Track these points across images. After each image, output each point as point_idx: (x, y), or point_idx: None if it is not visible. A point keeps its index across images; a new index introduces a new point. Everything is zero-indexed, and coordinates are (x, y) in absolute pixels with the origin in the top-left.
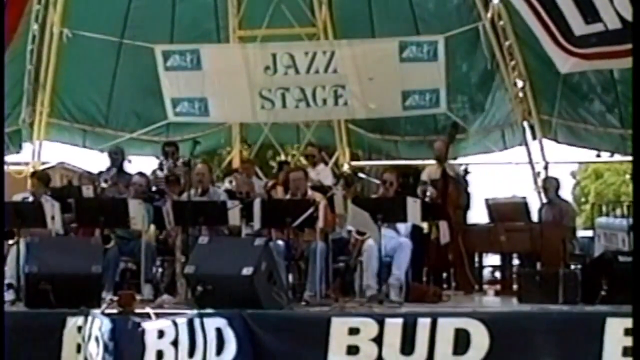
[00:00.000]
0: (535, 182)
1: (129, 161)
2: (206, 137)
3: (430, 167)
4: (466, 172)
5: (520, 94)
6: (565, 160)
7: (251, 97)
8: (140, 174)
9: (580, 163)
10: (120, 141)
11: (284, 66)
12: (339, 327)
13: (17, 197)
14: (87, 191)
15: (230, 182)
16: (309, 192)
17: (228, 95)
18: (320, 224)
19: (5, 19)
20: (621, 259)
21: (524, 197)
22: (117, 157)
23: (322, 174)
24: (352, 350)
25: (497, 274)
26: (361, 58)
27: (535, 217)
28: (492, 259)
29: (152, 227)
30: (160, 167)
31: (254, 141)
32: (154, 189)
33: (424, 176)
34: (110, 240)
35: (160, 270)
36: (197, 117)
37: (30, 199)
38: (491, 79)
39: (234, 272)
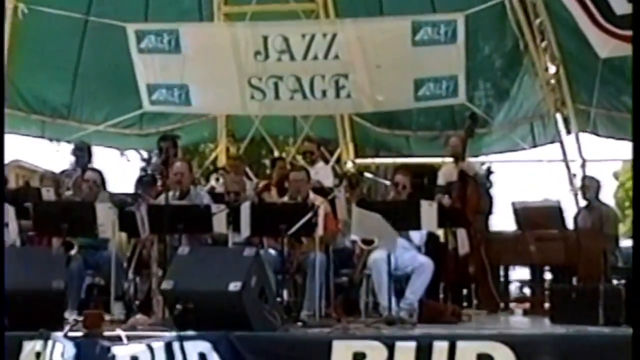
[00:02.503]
0: (571, 183)
1: (128, 160)
2: (187, 130)
3: (446, 167)
4: (489, 172)
5: (553, 81)
6: (606, 158)
7: (239, 85)
8: (93, 169)
9: (624, 161)
10: (86, 134)
11: (276, 51)
12: (341, 351)
13: None
14: (48, 194)
15: (217, 180)
16: (311, 195)
17: (212, 82)
18: (319, 231)
19: None
20: None
21: (558, 201)
22: (82, 154)
23: (322, 173)
24: None
25: (526, 290)
26: (367, 41)
27: (570, 223)
28: (520, 273)
29: (124, 235)
30: (145, 168)
31: (243, 135)
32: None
33: (440, 179)
34: (74, 248)
35: (132, 285)
36: (177, 107)
37: None
38: (518, 63)
39: (219, 287)
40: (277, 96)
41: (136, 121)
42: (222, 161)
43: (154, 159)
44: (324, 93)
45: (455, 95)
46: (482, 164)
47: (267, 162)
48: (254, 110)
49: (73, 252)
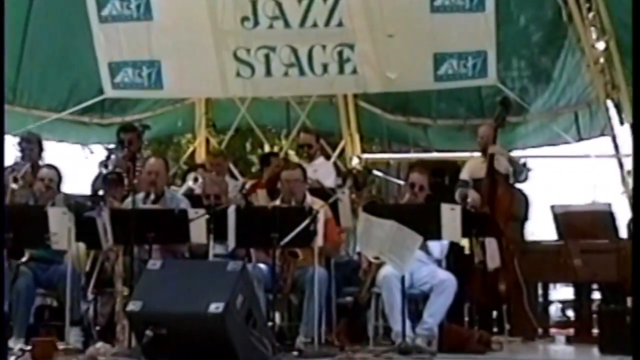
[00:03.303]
0: (624, 183)
1: (91, 152)
2: (158, 118)
3: (472, 162)
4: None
5: (602, 60)
6: None
7: (221, 60)
8: (49, 166)
9: None
10: (35, 124)
11: (268, 17)
12: None
13: None
14: None
15: (195, 180)
16: (308, 197)
17: (189, 57)
18: (319, 241)
19: None
20: None
21: (608, 204)
22: (31, 147)
23: (322, 171)
24: None
25: (570, 313)
26: (376, 5)
27: (623, 232)
28: (562, 292)
29: (82, 246)
30: (105, 163)
31: (226, 125)
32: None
33: (464, 174)
34: (24, 256)
35: (92, 307)
36: (146, 91)
37: None
38: (561, 37)
39: (197, 309)
40: (268, 72)
41: (97, 109)
42: (201, 157)
43: (114, 155)
44: (324, 68)
45: (483, 74)
46: (517, 159)
47: (255, 158)
48: (239, 91)
49: (22, 262)
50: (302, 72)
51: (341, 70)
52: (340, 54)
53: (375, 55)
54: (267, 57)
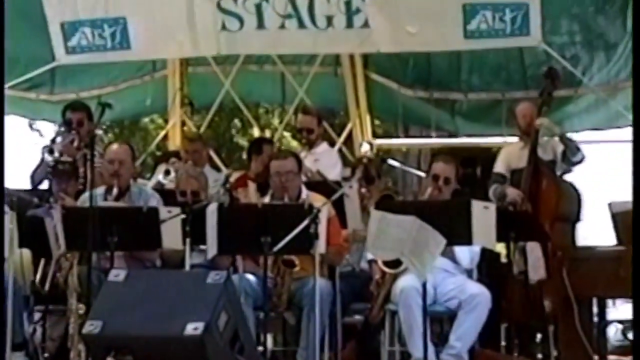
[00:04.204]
0: None
1: (41, 135)
2: (122, 95)
3: (509, 149)
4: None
5: None
6: None
7: (203, 12)
8: None
9: None
10: None
11: None
12: None
13: None
14: None
15: (167, 173)
16: (304, 192)
17: (160, 11)
18: (320, 247)
19: None
20: None
21: None
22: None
23: (325, 160)
24: None
25: (631, 336)
26: None
27: None
28: (622, 310)
29: (27, 252)
30: (50, 148)
31: (206, 103)
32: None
33: (500, 166)
34: None
35: (40, 328)
36: (109, 53)
37: None
38: None
39: (171, 331)
40: (260, 24)
41: (45, 81)
42: (175, 143)
43: (60, 138)
44: (328, 20)
45: (524, 32)
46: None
47: (240, 141)
48: (225, 47)
49: None
50: (301, 24)
51: (349, 23)
52: (348, 3)
53: (392, 5)
54: (258, 7)
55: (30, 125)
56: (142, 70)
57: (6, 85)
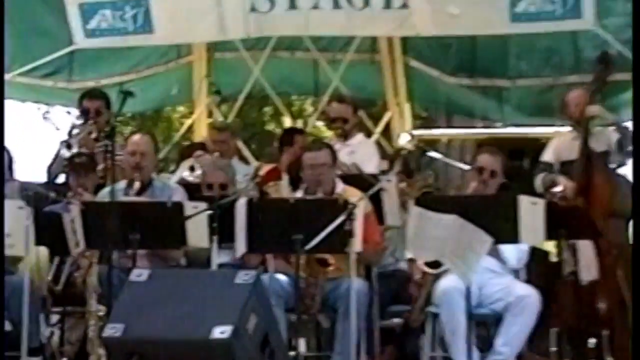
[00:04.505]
0: None
1: (57, 128)
2: (144, 82)
3: (559, 140)
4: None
5: None
6: None
7: None
8: None
9: None
10: None
11: None
12: None
13: None
14: None
15: (192, 169)
16: (339, 186)
17: None
18: (356, 245)
19: None
20: None
21: None
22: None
23: (361, 152)
24: None
25: None
26: None
27: None
28: None
29: (44, 251)
30: (68, 143)
31: (235, 92)
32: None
33: (548, 155)
34: None
35: (57, 331)
36: (131, 36)
37: None
38: None
39: (196, 334)
40: (292, 4)
41: (63, 66)
42: (200, 134)
43: (78, 130)
44: (365, 1)
45: (575, 14)
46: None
47: (272, 129)
48: (254, 30)
49: None
50: (336, 4)
51: (387, 4)
52: None
53: None
54: None
55: (45, 117)
56: (165, 56)
57: (19, 71)
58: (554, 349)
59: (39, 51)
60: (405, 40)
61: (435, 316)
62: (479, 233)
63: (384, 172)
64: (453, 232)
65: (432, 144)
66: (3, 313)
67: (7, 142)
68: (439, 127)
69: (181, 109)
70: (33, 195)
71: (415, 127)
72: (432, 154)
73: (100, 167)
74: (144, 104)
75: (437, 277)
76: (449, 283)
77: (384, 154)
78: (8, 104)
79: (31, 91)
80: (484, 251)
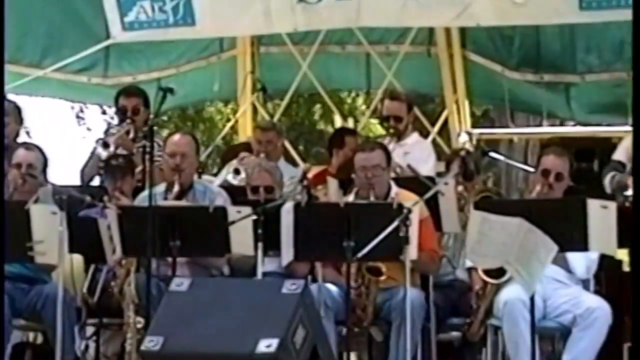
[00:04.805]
0: None
1: (88, 128)
2: (185, 77)
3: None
4: None
5: None
6: None
7: None
8: (27, 145)
9: None
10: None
11: None
12: None
13: None
14: None
15: (236, 172)
16: (393, 189)
17: None
18: (411, 253)
19: None
20: None
21: None
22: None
23: (416, 153)
24: None
25: None
26: None
27: None
28: None
29: (79, 259)
30: (105, 141)
31: (282, 87)
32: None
33: (620, 154)
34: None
35: (93, 345)
36: (171, 29)
37: None
38: None
39: (240, 348)
40: None
41: (98, 61)
42: (245, 133)
43: (114, 130)
44: None
45: None
46: None
47: (321, 128)
48: (301, 22)
49: None
50: None
51: None
52: None
53: None
54: None
55: (78, 117)
56: (207, 49)
57: (53, 68)
58: None
59: (74, 46)
60: (464, 32)
61: (497, 329)
62: (545, 239)
63: (440, 175)
64: (517, 237)
65: (493, 144)
66: (2, 311)
67: (41, 143)
68: (500, 126)
69: (224, 108)
70: (67, 200)
71: (475, 126)
72: (493, 154)
73: (138, 169)
74: (184, 100)
75: (499, 287)
76: (511, 294)
77: (441, 155)
78: (40, 102)
79: (64, 87)
80: (549, 259)
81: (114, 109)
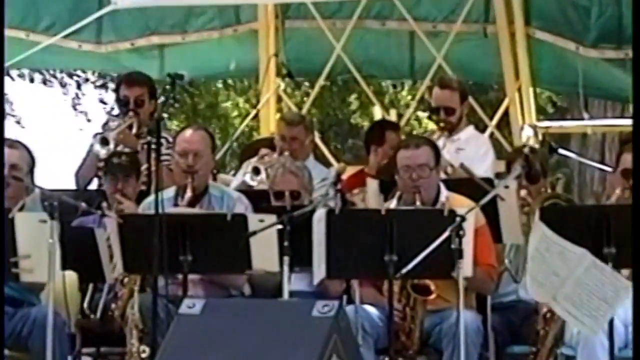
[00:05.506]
0: None
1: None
2: (194, 50)
3: None
4: None
5: None
6: None
7: None
8: (13, 143)
9: None
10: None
11: None
12: None
13: None
14: None
15: (255, 172)
16: (443, 193)
17: None
18: (466, 268)
19: None
20: None
21: None
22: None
23: (471, 150)
24: None
25: None
26: None
27: None
28: None
29: (72, 276)
30: (104, 137)
31: (311, 72)
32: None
33: None
34: None
35: None
36: None
37: None
38: None
39: None
40: None
41: (89, 24)
42: (267, 127)
43: (115, 123)
44: None
45: None
46: None
47: (357, 122)
48: None
49: None
50: None
51: None
52: None
53: None
54: None
55: (75, 107)
56: (221, 18)
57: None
58: None
59: (67, 13)
60: (528, 5)
61: (565, 358)
62: (616, 277)
63: (500, 176)
64: (576, 271)
65: (564, 139)
66: (2, 311)
67: (31, 136)
68: (572, 117)
69: (242, 102)
70: (58, 206)
71: (542, 118)
72: (563, 152)
73: (143, 169)
74: (191, 74)
75: None
76: None
77: (500, 153)
78: (26, 87)
79: (53, 55)
80: (620, 303)
81: (114, 97)
